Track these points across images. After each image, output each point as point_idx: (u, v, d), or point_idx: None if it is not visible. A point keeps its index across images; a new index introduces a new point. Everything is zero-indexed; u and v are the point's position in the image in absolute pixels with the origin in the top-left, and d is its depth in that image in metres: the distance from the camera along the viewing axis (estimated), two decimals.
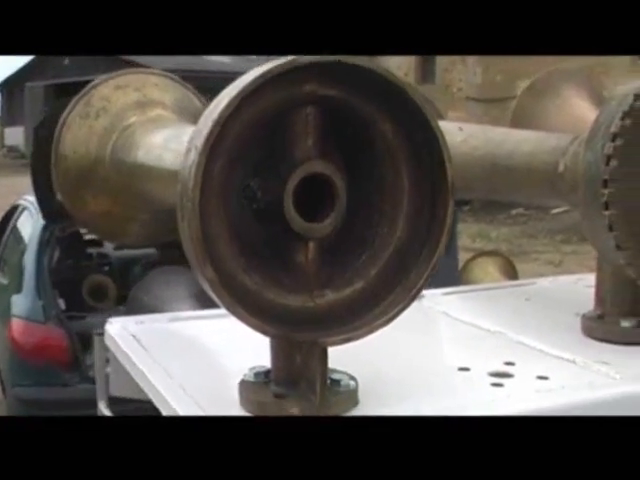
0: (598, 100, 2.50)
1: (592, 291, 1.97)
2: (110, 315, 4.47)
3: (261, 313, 1.11)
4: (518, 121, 2.40)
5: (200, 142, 1.03)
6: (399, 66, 22.52)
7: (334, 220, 1.16)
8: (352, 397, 1.22)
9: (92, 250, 6.25)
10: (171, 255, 5.54)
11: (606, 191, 1.42)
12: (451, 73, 20.79)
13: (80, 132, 1.83)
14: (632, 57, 15.76)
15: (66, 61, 21.23)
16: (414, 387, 1.31)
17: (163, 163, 1.53)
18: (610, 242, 1.44)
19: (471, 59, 19.73)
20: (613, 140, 1.41)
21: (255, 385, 1.23)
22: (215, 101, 1.08)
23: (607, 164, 1.42)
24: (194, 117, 1.90)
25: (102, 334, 3.89)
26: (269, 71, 1.05)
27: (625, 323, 1.57)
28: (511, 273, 4.11)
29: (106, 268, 6.18)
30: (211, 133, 1.03)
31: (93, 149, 1.82)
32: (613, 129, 1.41)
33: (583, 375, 1.40)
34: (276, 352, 1.20)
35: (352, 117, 1.17)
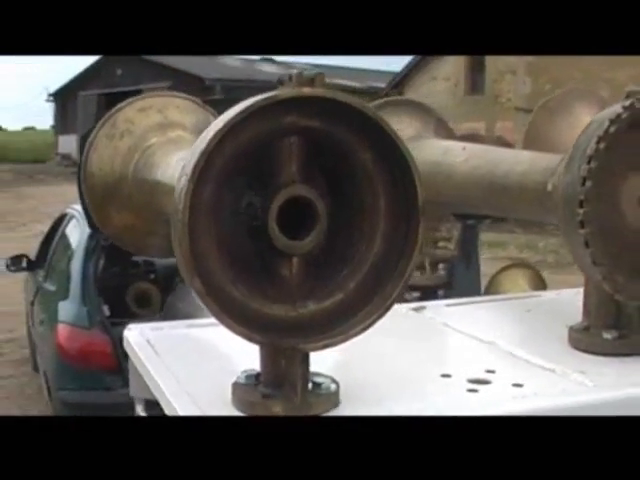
0: None
1: None
2: (152, 321, 4.64)
3: (247, 322, 1.23)
4: (531, 139, 2.50)
5: (189, 170, 1.16)
6: (449, 77, 22.57)
7: (314, 238, 1.28)
8: (332, 399, 1.34)
9: (138, 258, 6.43)
10: None
11: (581, 210, 1.51)
12: (500, 84, 20.78)
13: (105, 152, 1.97)
14: None
15: (119, 71, 21.71)
16: (393, 391, 1.42)
17: (172, 181, 1.67)
18: (587, 258, 1.54)
19: (521, 69, 19.71)
20: (588, 162, 1.51)
21: (246, 386, 1.35)
22: (205, 132, 1.21)
23: (583, 185, 1.52)
24: None
25: None
26: (250, 106, 1.17)
27: (607, 335, 1.66)
28: (540, 285, 4.17)
29: (152, 276, 6.36)
30: (198, 163, 1.16)
31: (117, 168, 1.96)
32: (589, 152, 1.51)
33: (558, 383, 1.50)
34: (264, 357, 1.33)
35: (333, 146, 1.29)
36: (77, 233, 5.67)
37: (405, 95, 23.96)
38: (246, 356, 1.61)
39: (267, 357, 1.32)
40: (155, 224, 2.02)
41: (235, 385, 1.36)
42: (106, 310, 5.45)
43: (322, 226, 1.28)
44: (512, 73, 20.09)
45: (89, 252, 5.31)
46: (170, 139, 1.97)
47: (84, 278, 5.23)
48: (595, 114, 2.62)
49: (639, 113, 1.53)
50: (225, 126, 1.17)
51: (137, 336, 1.74)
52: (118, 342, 5.14)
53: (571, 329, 1.74)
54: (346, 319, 1.29)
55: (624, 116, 1.51)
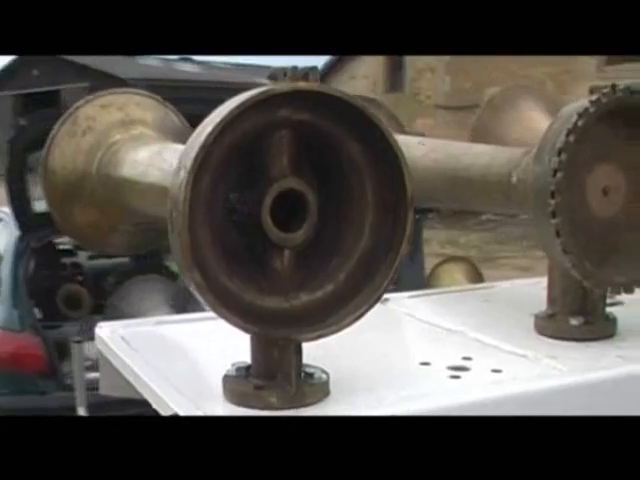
0: (552, 114, 2.66)
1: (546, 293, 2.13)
2: (86, 323, 4.56)
3: (242, 313, 1.24)
4: (479, 135, 2.56)
5: (189, 163, 1.17)
6: (367, 75, 22.77)
7: (306, 231, 1.30)
8: (324, 388, 1.36)
9: (66, 260, 6.35)
10: (144, 264, 5.66)
11: (553, 201, 1.56)
12: (419, 82, 21.07)
13: (68, 149, 1.95)
14: (598, 64, 16.09)
15: (35, 72, 21.29)
16: (379, 379, 1.45)
17: (147, 179, 1.66)
18: (557, 247, 1.59)
19: (440, 68, 20.00)
20: (559, 155, 1.57)
21: (237, 378, 1.36)
22: (201, 126, 1.22)
23: (554, 176, 1.57)
24: (173, 135, 2.04)
25: (79, 342, 3.98)
26: (248, 99, 1.19)
27: (574, 321, 1.72)
28: (477, 278, 4.27)
29: (80, 278, 6.28)
30: (198, 155, 1.17)
31: (80, 165, 1.95)
32: (559, 145, 1.56)
33: (533, 368, 1.55)
34: (255, 348, 1.34)
35: (323, 138, 1.31)
36: (5, 236, 5.55)
37: None
38: (225, 350, 1.62)
39: (259, 349, 1.33)
40: (118, 221, 2.01)
41: (226, 378, 1.37)
42: (37, 313, 5.37)
43: (313, 218, 1.30)
44: (431, 71, 20.37)
45: (19, 255, 5.22)
46: (133, 136, 1.97)
47: (14, 281, 5.14)
48: (539, 109, 2.72)
49: (605, 107, 1.59)
50: (223, 120, 1.18)
51: (110, 333, 1.72)
52: (51, 345, 5.07)
53: (537, 316, 1.80)
54: (337, 310, 1.31)
55: (592, 110, 1.57)
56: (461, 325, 1.82)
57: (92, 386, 2.68)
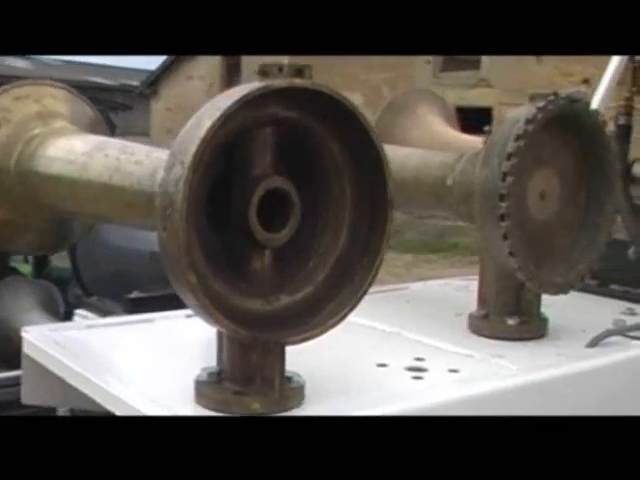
0: (447, 117, 2.74)
1: (462, 294, 2.18)
2: None
3: (231, 317, 1.20)
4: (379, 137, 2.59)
5: (188, 158, 1.12)
6: (203, 76, 22.62)
7: (290, 230, 1.27)
8: (302, 392, 1.33)
9: None
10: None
11: (503, 204, 1.60)
12: None
13: None
14: (433, 70, 16.63)
15: None
16: (346, 381, 1.44)
17: (88, 174, 1.58)
18: (504, 249, 1.63)
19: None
20: (508, 159, 1.61)
21: (210, 384, 1.31)
22: (195, 120, 1.17)
23: (503, 180, 1.61)
24: (89, 127, 1.95)
25: None
26: (246, 95, 1.15)
27: (511, 321, 1.77)
28: None
29: None
30: (198, 150, 1.12)
31: None
32: (509, 149, 1.60)
33: (486, 367, 1.58)
34: (232, 353, 1.29)
35: (305, 137, 1.29)
36: None
37: (160, 94, 23.69)
38: (174, 352, 1.58)
39: (236, 352, 1.29)
40: (33, 219, 1.90)
41: (198, 383, 1.32)
42: None
43: (297, 218, 1.27)
44: None
45: None
46: (54, 129, 1.86)
47: None
48: (435, 112, 2.78)
49: (550, 114, 1.64)
50: (223, 114, 1.13)
51: (40, 338, 1.62)
52: None
53: (471, 316, 1.84)
54: (319, 311, 1.29)
55: (539, 116, 1.62)
56: (396, 327, 1.83)
57: None
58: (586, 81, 13.54)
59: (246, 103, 1.16)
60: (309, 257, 1.33)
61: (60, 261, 5.20)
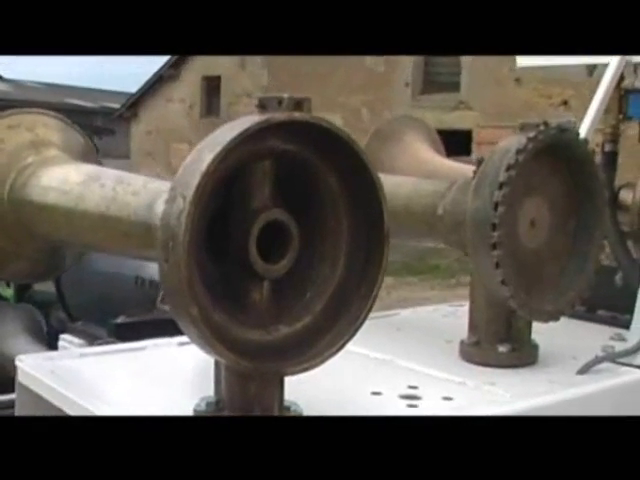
0: (433, 143, 2.76)
1: (451, 320, 2.20)
2: None
3: (232, 348, 1.21)
4: None
5: (190, 192, 1.13)
6: (184, 98, 22.62)
7: (289, 262, 1.28)
8: None
9: None
10: None
11: (495, 234, 1.62)
12: (237, 106, 21.15)
13: None
14: (412, 93, 16.73)
15: None
16: (343, 410, 1.44)
17: (84, 205, 1.58)
18: (496, 278, 1.65)
19: (257, 93, 20.17)
20: (500, 188, 1.63)
21: (208, 415, 1.32)
22: (196, 154, 1.18)
23: (495, 209, 1.63)
24: (81, 156, 1.95)
25: None
26: (249, 127, 1.16)
27: (502, 348, 1.78)
28: None
29: None
30: (200, 184, 1.13)
31: None
32: (501, 179, 1.62)
33: (479, 395, 1.60)
34: (231, 383, 1.30)
35: (302, 169, 1.30)
36: None
37: (140, 117, 23.67)
38: (169, 382, 1.58)
39: (235, 382, 1.30)
40: (25, 247, 1.90)
41: (197, 413, 1.32)
42: None
43: (295, 250, 1.28)
44: (248, 96, 20.51)
45: None
46: (47, 158, 1.87)
47: None
48: (422, 139, 2.80)
49: (540, 144, 1.66)
50: (225, 148, 1.14)
51: (36, 367, 1.62)
52: None
53: (462, 343, 1.85)
54: (317, 341, 1.30)
55: (530, 146, 1.64)
56: (388, 354, 1.84)
57: None
58: (565, 103, 13.70)
59: (246, 137, 1.17)
60: (306, 288, 1.34)
61: (41, 284, 5.18)
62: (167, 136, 22.13)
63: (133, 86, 24.07)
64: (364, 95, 16.81)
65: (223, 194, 1.26)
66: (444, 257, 13.78)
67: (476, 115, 15.66)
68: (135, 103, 23.62)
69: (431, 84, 16.54)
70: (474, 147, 14.95)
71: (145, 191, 1.44)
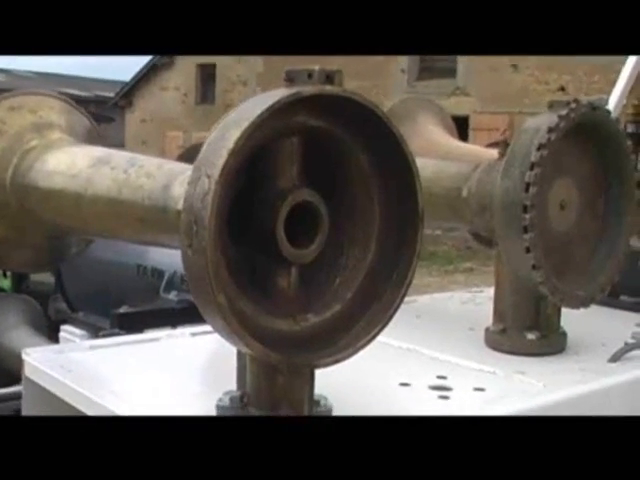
0: (446, 126, 2.69)
1: (470, 307, 2.13)
2: None
3: (261, 339, 1.13)
4: None
5: (216, 171, 1.05)
6: (178, 86, 22.49)
7: (318, 246, 1.20)
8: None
9: None
10: None
11: (527, 216, 1.55)
12: (231, 93, 21.05)
13: None
14: (408, 79, 16.65)
15: None
16: (375, 402, 1.38)
17: (96, 188, 1.50)
18: (528, 262, 1.57)
19: (252, 80, 20.06)
20: (532, 169, 1.55)
21: (234, 410, 1.24)
22: (220, 130, 1.10)
23: (526, 191, 1.55)
24: (86, 139, 1.87)
25: None
26: (276, 102, 1.08)
27: (531, 336, 1.71)
28: None
29: None
30: (227, 163, 1.05)
31: None
32: (532, 159, 1.55)
33: (511, 385, 1.52)
34: (257, 376, 1.22)
35: (332, 147, 1.22)
36: None
37: (135, 105, 23.55)
38: (185, 374, 1.51)
39: (261, 375, 1.22)
40: (30, 236, 1.82)
41: (221, 409, 1.24)
42: None
43: (325, 233, 1.20)
44: (243, 84, 20.41)
45: None
46: (52, 141, 1.78)
47: None
48: (435, 121, 2.72)
49: (572, 122, 1.59)
50: (252, 123, 1.06)
51: (43, 361, 1.54)
52: None
53: (488, 331, 1.78)
54: (347, 331, 1.22)
55: (562, 125, 1.56)
56: (412, 343, 1.77)
57: None
58: (562, 89, 13.63)
59: (274, 112, 1.09)
60: (336, 274, 1.26)
61: (38, 275, 5.09)
62: (161, 124, 22.04)
63: (127, 74, 23.94)
64: (360, 82, 16.69)
65: (247, 173, 1.18)
66: (441, 244, 13.74)
67: (473, 101, 15.58)
68: (129, 91, 23.52)
69: (427, 70, 16.46)
70: (471, 133, 14.88)
71: (160, 173, 1.36)
